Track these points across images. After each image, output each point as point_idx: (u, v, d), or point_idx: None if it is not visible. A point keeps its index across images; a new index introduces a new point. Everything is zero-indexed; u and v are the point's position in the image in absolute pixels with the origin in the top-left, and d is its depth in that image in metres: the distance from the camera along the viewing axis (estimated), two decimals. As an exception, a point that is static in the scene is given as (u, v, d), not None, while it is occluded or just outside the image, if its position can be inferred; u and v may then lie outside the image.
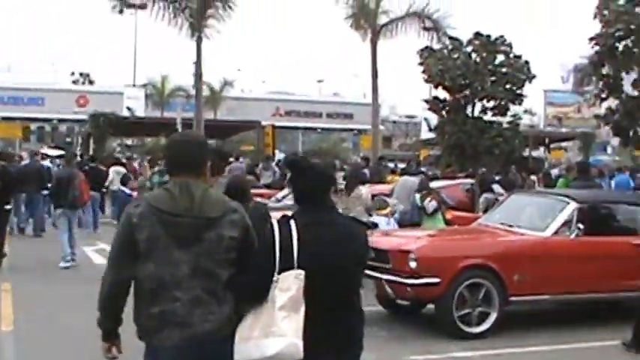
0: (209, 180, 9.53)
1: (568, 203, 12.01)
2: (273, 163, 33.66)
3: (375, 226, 15.19)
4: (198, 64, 33.25)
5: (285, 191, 21.90)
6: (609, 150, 78.39)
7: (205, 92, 66.91)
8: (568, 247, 11.70)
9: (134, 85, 71.36)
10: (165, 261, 4.67)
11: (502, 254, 11.37)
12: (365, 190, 15.44)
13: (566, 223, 11.79)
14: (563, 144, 75.71)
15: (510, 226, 12.17)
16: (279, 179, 29.58)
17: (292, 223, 4.82)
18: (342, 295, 4.82)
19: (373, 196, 16.45)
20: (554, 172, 30.48)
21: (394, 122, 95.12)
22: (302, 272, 4.64)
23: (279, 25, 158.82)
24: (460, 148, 20.62)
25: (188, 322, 4.64)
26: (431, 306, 11.58)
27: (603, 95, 17.15)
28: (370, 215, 15.53)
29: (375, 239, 11.89)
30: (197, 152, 4.87)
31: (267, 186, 28.51)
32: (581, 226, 11.67)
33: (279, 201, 20.78)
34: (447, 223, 15.05)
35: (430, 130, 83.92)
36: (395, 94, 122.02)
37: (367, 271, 11.33)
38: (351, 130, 74.43)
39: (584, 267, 11.62)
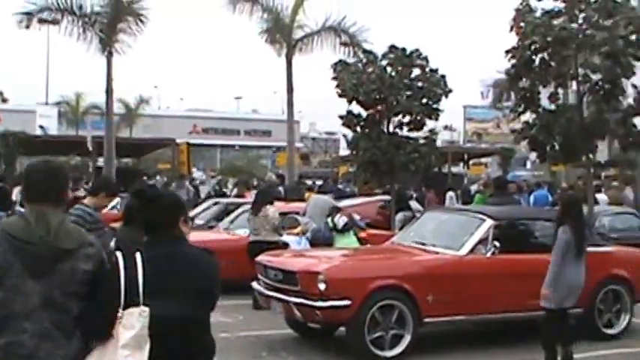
0: (104, 201, 8.83)
1: (484, 220, 11.56)
2: (187, 182, 33.01)
3: (286, 246, 14.66)
4: (108, 80, 32.31)
5: (196, 211, 21.22)
6: (528, 165, 79.16)
7: (121, 110, 66.57)
8: (484, 266, 11.25)
9: (47, 103, 69.67)
10: (16, 290, 4.31)
11: (415, 274, 10.85)
12: (272, 210, 14.82)
13: (482, 241, 11.35)
14: (483, 160, 76.29)
15: (424, 244, 11.65)
16: (193, 198, 29.01)
17: (138, 255, 4.47)
18: (187, 331, 4.52)
19: (284, 214, 15.87)
20: (474, 188, 30.36)
21: (313, 139, 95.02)
22: (146, 309, 4.31)
23: (198, 42, 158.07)
24: (375, 164, 20.05)
25: (34, 355, 4.27)
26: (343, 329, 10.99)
27: (520, 109, 16.74)
28: (280, 235, 14.95)
29: (283, 260, 11.36)
30: (55, 180, 4.57)
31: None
32: (497, 244, 11.24)
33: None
34: (361, 241, 14.49)
35: (348, 145, 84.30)
36: (315, 111, 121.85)
37: (275, 294, 10.79)
38: (270, 147, 73.90)
39: (501, 286, 11.19)
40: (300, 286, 10.53)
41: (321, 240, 14.89)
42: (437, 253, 11.33)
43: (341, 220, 14.22)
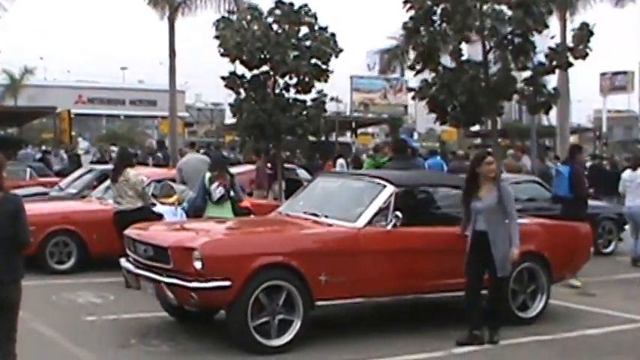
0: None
1: (384, 187, 10.23)
2: (62, 151, 31.11)
3: (160, 217, 13.18)
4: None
5: (70, 179, 19.46)
6: (415, 136, 79.08)
7: (6, 81, 64.65)
8: (384, 241, 9.93)
9: None
10: None
11: (305, 250, 9.49)
12: (133, 173, 13.33)
13: (382, 211, 10.03)
14: (370, 129, 75.94)
15: (316, 215, 10.28)
16: (70, 166, 27.26)
17: None
18: None
19: (158, 181, 14.33)
20: (363, 157, 29.29)
21: (199, 109, 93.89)
22: None
23: (83, 11, 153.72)
24: (259, 127, 18.68)
25: None
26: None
27: (418, 67, 15.44)
28: (147, 202, 13.42)
29: (154, 233, 9.95)
30: None
31: (57, 173, 26.14)
32: (399, 214, 9.92)
33: (61, 190, 18.35)
34: (237, 213, 12.96)
35: (234, 115, 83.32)
36: (200, 83, 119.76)
37: (145, 272, 9.37)
38: (155, 117, 73.49)
39: (405, 263, 9.93)
40: (173, 264, 9.07)
41: (193, 209, 13.43)
42: (330, 225, 9.97)
43: (217, 192, 12.66)
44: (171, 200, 13.71)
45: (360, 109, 77.24)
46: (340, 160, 28.37)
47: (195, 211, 12.92)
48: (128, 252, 10.15)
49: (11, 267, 6.75)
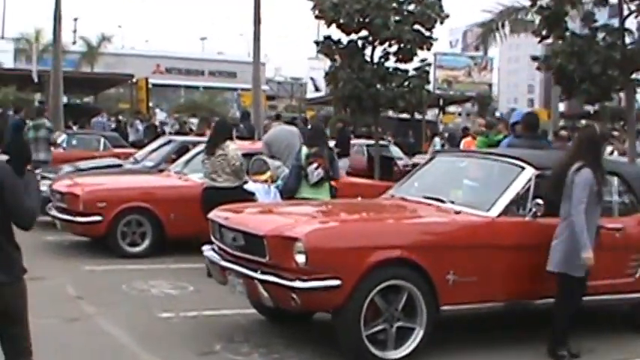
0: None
1: (522, 169, 8.36)
2: (138, 121, 29.75)
3: (252, 195, 11.55)
4: (57, 3, 28.71)
5: (146, 151, 17.88)
6: (498, 115, 76.71)
7: (82, 48, 64.06)
8: (523, 233, 8.10)
9: (2, 38, 66.52)
10: None
11: (431, 244, 7.73)
12: (232, 148, 11.61)
13: (520, 198, 8.22)
14: (452, 108, 73.82)
15: (440, 201, 8.49)
16: (145, 137, 25.87)
17: None
18: None
19: (248, 155, 12.64)
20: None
21: (279, 83, 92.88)
22: None
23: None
24: (357, 99, 16.88)
25: None
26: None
27: (544, 32, 13.46)
28: (244, 182, 11.78)
29: (246, 218, 8.27)
30: None
31: (133, 144, 24.69)
32: (540, 202, 8.07)
33: (136, 162, 16.75)
34: (334, 195, 11.30)
35: (317, 90, 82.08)
36: (280, 57, 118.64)
37: (234, 266, 7.72)
38: (234, 89, 72.46)
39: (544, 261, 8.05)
40: (269, 257, 7.37)
41: (286, 190, 11.79)
42: (457, 213, 8.17)
43: (315, 174, 10.99)
44: (264, 177, 12.03)
45: (443, 86, 75.15)
46: (437, 139, 26.49)
47: (287, 192, 11.33)
48: (213, 239, 8.50)
49: (7, 261, 5.18)
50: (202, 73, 77.41)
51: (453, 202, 8.37)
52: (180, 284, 10.77)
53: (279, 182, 12.11)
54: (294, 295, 7.16)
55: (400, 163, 24.93)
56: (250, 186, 11.91)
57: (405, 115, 26.07)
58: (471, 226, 7.99)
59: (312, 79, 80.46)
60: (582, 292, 7.98)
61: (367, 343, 7.37)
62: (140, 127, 27.87)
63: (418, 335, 7.61)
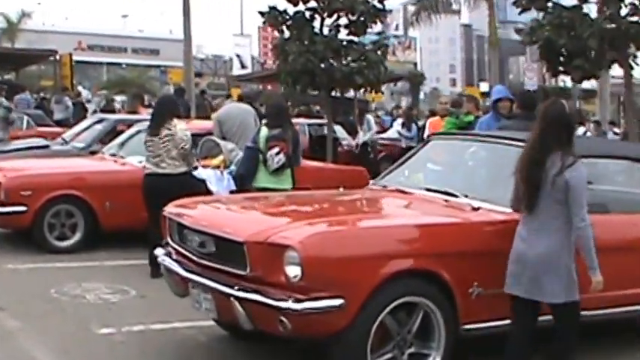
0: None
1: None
2: (67, 98, 27.67)
3: (202, 183, 9.94)
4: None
5: (75, 131, 15.94)
6: (422, 96, 75.83)
7: (2, 24, 61.73)
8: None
9: None
10: None
11: (452, 250, 6.11)
12: (181, 127, 9.88)
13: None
14: (383, 88, 72.40)
15: (450, 194, 6.88)
16: (77, 114, 23.88)
17: None
18: None
19: (198, 136, 10.92)
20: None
21: (202, 60, 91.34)
22: None
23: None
24: (309, 74, 15.21)
25: None
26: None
27: (524, 2, 12.01)
28: (194, 168, 10.11)
29: (215, 217, 6.55)
30: None
31: (59, 123, 22.68)
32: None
33: (65, 143, 14.85)
34: (295, 183, 9.76)
35: (243, 67, 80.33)
36: (201, 35, 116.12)
37: (200, 279, 6.01)
38: (158, 66, 71.00)
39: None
40: (251, 269, 5.68)
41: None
42: (475, 210, 6.57)
43: (276, 159, 9.42)
44: (216, 162, 10.36)
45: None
46: (368, 116, 24.83)
47: (242, 180, 9.78)
48: (170, 242, 6.78)
49: None
50: (125, 50, 77.20)
51: (467, 196, 6.78)
52: (119, 287, 9.04)
53: (233, 168, 10.50)
54: (284, 319, 5.49)
55: (344, 143, 23.37)
56: (200, 172, 10.25)
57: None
58: (495, 226, 6.41)
59: (237, 55, 78.94)
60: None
61: (371, 366, 5.80)
62: (69, 103, 25.77)
63: (438, 365, 6.07)
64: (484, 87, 65.56)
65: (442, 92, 78.78)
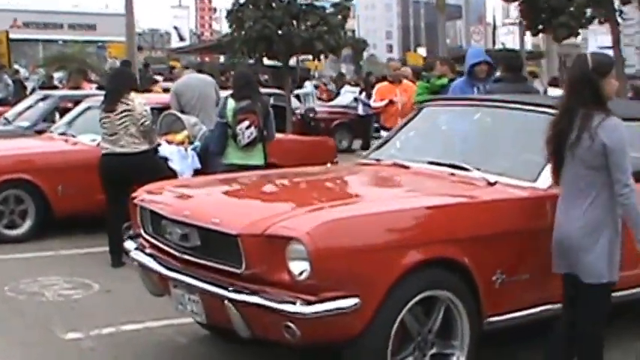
0: None
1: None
2: (6, 75, 26.42)
3: (165, 162, 9.11)
4: None
5: (17, 109, 14.82)
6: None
7: None
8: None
9: None
10: None
11: (475, 233, 5.27)
12: (139, 101, 8.97)
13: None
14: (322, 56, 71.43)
15: (459, 168, 6.05)
16: (16, 92, 22.68)
17: None
18: None
19: (157, 110, 10.01)
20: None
21: (139, 35, 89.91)
22: None
23: None
24: (267, 41, 14.29)
25: None
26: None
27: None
28: (157, 145, 9.23)
29: (198, 205, 5.65)
30: None
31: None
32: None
33: (8, 122, 13.78)
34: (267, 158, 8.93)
35: (181, 39, 78.76)
36: (137, 8, 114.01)
37: (184, 278, 5.11)
38: (95, 41, 69.60)
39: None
40: (247, 266, 4.82)
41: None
42: (491, 185, 5.76)
43: (247, 133, 8.58)
44: (179, 138, 9.47)
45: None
46: (307, 83, 23.96)
47: (210, 157, 9.00)
48: (142, 233, 5.88)
49: None
50: (61, 27, 74.80)
51: (479, 170, 5.97)
52: (80, 281, 8.14)
53: (197, 144, 9.64)
54: (292, 325, 4.64)
55: (297, 112, 22.60)
56: (163, 149, 9.36)
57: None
58: (516, 204, 5.61)
59: (175, 28, 77.64)
60: None
61: (394, 384, 5.00)
62: (9, 81, 24.54)
63: (459, 365, 5.29)
64: (422, 52, 65.07)
65: (379, 59, 78.16)
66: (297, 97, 23.29)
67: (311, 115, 21.68)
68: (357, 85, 27.99)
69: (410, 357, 5.09)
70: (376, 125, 21.18)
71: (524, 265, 5.48)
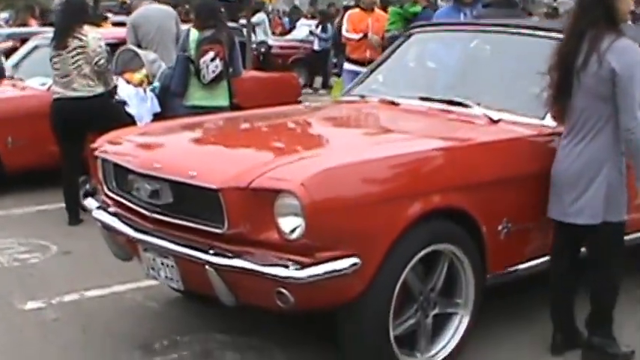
0: None
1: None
2: None
3: (123, 105, 8.47)
4: None
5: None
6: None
7: None
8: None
9: None
10: None
11: (482, 179, 4.71)
12: (93, 36, 8.20)
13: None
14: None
15: (456, 104, 5.49)
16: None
17: None
18: None
19: (112, 46, 9.25)
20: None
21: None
22: None
23: None
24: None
25: None
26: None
27: None
28: (114, 87, 8.55)
29: (167, 156, 4.99)
30: None
31: None
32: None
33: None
34: (232, 98, 8.30)
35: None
36: None
37: (158, 240, 4.48)
38: None
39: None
40: (230, 225, 4.21)
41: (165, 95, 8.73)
42: (494, 122, 5.19)
43: (212, 67, 7.94)
44: (139, 77, 8.79)
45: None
46: (259, 14, 23.06)
47: (171, 97, 8.42)
48: (105, 190, 5.23)
49: None
50: None
51: (479, 105, 5.39)
52: (36, 243, 7.46)
53: (156, 84, 8.97)
54: (284, 291, 4.06)
55: (253, 47, 21.83)
56: (121, 92, 8.68)
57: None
58: (524, 144, 5.06)
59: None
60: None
61: (396, 350, 4.45)
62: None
63: (462, 323, 4.78)
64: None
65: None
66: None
67: (262, 49, 20.91)
68: (313, 17, 27.21)
69: (412, 319, 4.57)
70: (334, 61, 20.64)
71: (531, 213, 4.96)
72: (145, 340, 5.21)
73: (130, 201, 4.87)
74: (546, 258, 5.09)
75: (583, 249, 4.96)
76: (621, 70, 4.48)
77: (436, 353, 4.71)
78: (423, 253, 4.41)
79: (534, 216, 4.96)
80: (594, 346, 4.95)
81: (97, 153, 5.22)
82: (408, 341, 4.59)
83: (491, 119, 5.20)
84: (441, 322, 4.74)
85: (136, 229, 4.77)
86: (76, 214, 7.95)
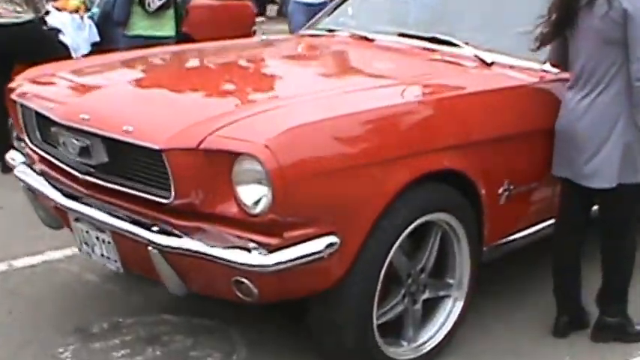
0: None
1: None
2: None
3: (57, 33, 7.67)
4: None
5: None
6: None
7: None
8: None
9: None
10: None
11: (479, 134, 3.93)
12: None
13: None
14: None
15: (443, 43, 4.68)
16: None
17: None
18: None
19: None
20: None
21: None
22: None
23: None
24: None
25: None
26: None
27: None
28: (45, 13, 7.68)
29: (98, 102, 4.05)
30: None
31: None
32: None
33: None
34: (179, 28, 7.65)
35: None
36: None
37: (90, 210, 3.60)
38: None
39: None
40: (177, 195, 3.37)
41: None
42: (488, 65, 4.42)
43: None
44: (74, 3, 7.95)
45: None
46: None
47: (111, 27, 7.62)
48: (27, 142, 4.37)
49: None
50: None
51: (468, 44, 4.59)
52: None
53: (95, 10, 8.14)
54: (245, 280, 3.27)
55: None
56: (53, 19, 7.82)
57: None
58: (521, 91, 4.28)
59: None
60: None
61: (378, 339, 3.70)
62: None
63: (455, 307, 4.04)
64: None
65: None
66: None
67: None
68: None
69: (399, 305, 3.82)
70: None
71: (532, 171, 4.23)
72: (82, 322, 4.39)
73: (57, 159, 4.01)
74: (545, 224, 4.38)
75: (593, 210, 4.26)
76: (635, 11, 3.74)
77: (424, 342, 3.98)
78: (413, 225, 3.63)
79: (536, 174, 4.24)
80: (605, 327, 4.28)
81: (13, 96, 4.32)
82: (392, 328, 3.85)
83: (483, 61, 4.41)
84: (430, 307, 4.01)
85: (66, 195, 3.91)
86: (2, 162, 7.03)
